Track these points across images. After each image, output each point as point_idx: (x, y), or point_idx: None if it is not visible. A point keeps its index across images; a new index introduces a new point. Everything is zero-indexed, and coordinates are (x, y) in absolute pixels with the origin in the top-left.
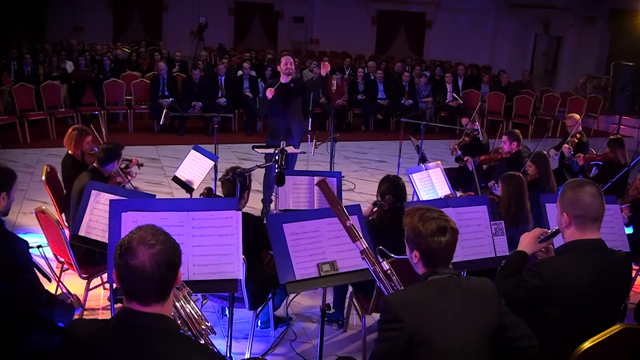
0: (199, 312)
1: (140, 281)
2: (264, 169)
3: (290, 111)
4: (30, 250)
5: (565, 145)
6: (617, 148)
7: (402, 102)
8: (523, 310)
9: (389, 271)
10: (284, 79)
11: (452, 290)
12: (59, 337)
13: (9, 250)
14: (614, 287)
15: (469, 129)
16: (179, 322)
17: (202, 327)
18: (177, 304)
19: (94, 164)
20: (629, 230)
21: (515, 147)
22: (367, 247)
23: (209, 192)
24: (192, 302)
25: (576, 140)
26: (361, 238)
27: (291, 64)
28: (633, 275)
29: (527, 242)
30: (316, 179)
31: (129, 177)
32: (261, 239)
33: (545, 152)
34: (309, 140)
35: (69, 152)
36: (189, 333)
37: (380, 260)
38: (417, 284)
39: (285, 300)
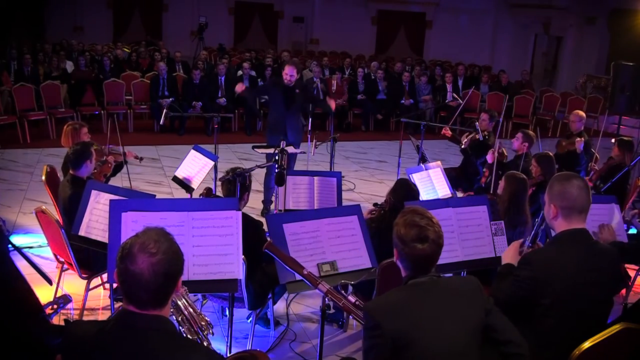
0: (198, 310)
1: (138, 287)
2: (264, 170)
3: (290, 112)
4: (30, 250)
5: (578, 139)
6: (626, 150)
7: (402, 102)
8: (521, 306)
9: (357, 302)
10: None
11: (432, 291)
12: (59, 338)
13: None
14: (602, 274)
15: (481, 127)
16: (179, 318)
17: (202, 323)
18: (179, 303)
19: (70, 171)
20: (631, 230)
21: (526, 149)
22: (329, 288)
23: (208, 193)
24: (189, 300)
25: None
26: (321, 282)
27: (292, 75)
28: (633, 275)
29: (510, 255)
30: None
31: (110, 165)
32: (259, 245)
33: (551, 153)
34: (309, 140)
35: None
36: (189, 332)
37: (346, 294)
38: (396, 288)
39: (285, 300)
